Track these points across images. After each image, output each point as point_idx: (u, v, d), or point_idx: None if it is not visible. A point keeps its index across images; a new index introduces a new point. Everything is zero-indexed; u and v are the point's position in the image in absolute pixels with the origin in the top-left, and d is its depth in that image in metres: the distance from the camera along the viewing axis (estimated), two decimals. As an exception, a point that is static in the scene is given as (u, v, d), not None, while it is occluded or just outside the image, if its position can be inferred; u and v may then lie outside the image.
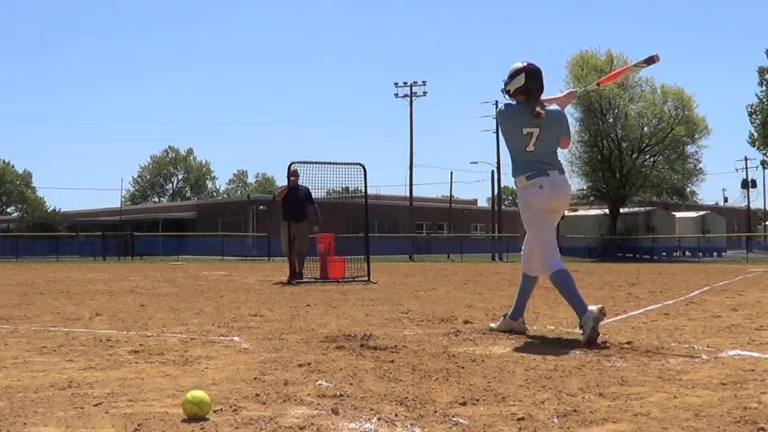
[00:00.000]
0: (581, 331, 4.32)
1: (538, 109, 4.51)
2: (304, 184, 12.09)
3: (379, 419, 2.50)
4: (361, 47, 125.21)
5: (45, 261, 29.26)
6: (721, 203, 64.80)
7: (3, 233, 44.66)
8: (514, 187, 4.84)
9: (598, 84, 5.25)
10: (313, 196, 12.17)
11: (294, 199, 11.89)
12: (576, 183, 36.48)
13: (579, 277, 13.30)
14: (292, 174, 12.01)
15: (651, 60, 4.65)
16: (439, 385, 3.07)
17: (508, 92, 4.71)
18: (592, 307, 4.29)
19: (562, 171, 4.71)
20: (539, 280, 4.94)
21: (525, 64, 4.65)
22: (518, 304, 4.82)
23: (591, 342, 4.15)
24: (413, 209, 43.84)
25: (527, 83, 4.59)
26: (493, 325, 4.96)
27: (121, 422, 2.45)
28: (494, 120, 43.50)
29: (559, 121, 4.69)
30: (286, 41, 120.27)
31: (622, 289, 9.69)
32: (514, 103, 4.72)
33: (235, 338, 4.58)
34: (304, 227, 12.10)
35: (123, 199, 61.77)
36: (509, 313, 4.85)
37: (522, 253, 4.86)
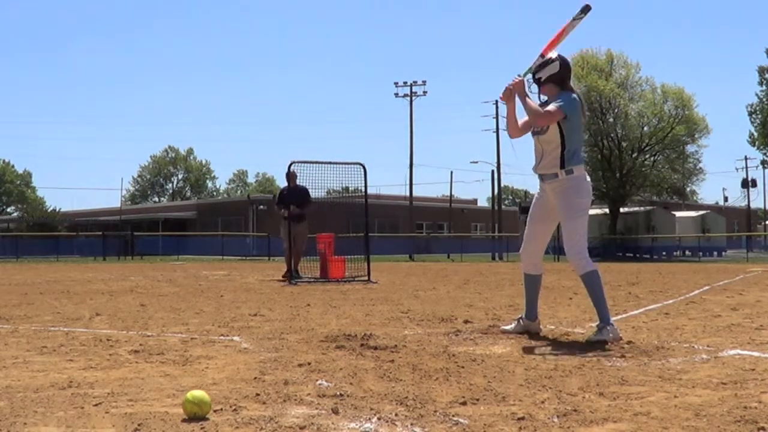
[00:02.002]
0: (590, 332, 4.34)
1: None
2: (302, 184, 12.08)
3: (379, 419, 2.49)
4: (361, 47, 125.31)
5: (45, 261, 29.27)
6: (721, 203, 64.81)
7: (3, 233, 44.68)
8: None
9: (541, 56, 4.57)
10: (314, 196, 12.16)
11: (292, 200, 11.92)
12: (576, 182, 36.40)
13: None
14: (291, 177, 12.02)
15: (586, 8, 4.47)
16: (439, 384, 3.06)
17: (538, 80, 4.55)
18: (618, 330, 4.32)
19: None
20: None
21: (556, 54, 4.55)
22: (530, 306, 4.78)
23: (595, 343, 4.16)
24: (413, 209, 43.84)
25: (561, 72, 4.50)
26: (507, 327, 4.85)
27: (121, 422, 2.45)
28: (493, 120, 43.50)
29: None
30: (286, 41, 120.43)
31: (622, 288, 9.69)
32: (534, 92, 4.63)
33: (235, 338, 4.58)
34: (304, 227, 12.13)
35: (123, 199, 61.79)
36: (524, 315, 4.79)
37: (524, 254, 4.78)
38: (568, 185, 4.46)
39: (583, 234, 4.47)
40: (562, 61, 4.54)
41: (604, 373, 3.33)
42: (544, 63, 4.52)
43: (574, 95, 4.50)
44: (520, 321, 4.80)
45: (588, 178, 4.59)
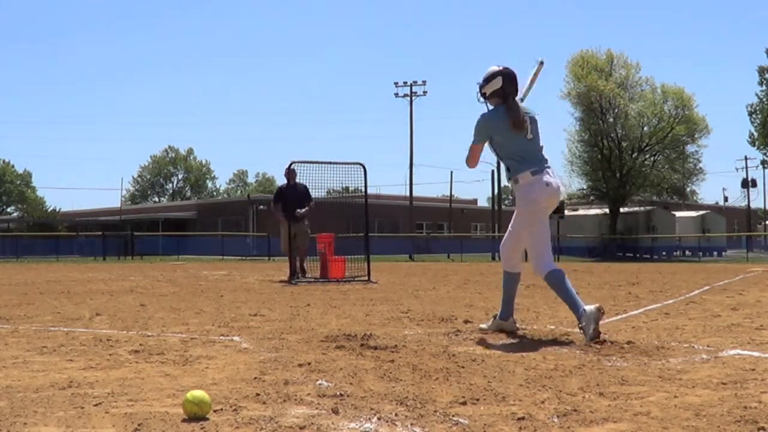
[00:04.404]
0: (580, 331, 4.33)
1: (521, 117, 4.58)
2: (302, 182, 12.04)
3: (379, 419, 2.49)
4: (361, 47, 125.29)
5: (45, 261, 29.27)
6: (721, 203, 64.81)
7: (3, 233, 44.67)
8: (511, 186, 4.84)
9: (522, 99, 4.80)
10: (313, 196, 12.13)
11: (293, 198, 11.87)
12: (576, 182, 36.54)
13: (579, 276, 13.30)
14: (290, 174, 11.97)
15: (540, 65, 4.81)
16: (439, 384, 3.06)
17: (483, 95, 4.70)
18: (590, 307, 4.30)
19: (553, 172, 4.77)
20: (529, 279, 4.96)
21: (501, 67, 4.66)
22: (506, 304, 4.84)
23: (592, 340, 4.16)
24: (413, 209, 43.83)
25: (504, 86, 4.60)
26: (483, 326, 4.94)
27: (121, 422, 2.45)
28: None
29: (536, 125, 4.71)
30: (286, 41, 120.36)
31: (623, 288, 9.69)
32: (489, 108, 4.72)
33: (236, 338, 4.58)
34: (303, 226, 12.08)
35: (123, 199, 61.79)
36: (498, 314, 4.86)
37: (502, 250, 4.87)
38: (517, 194, 4.69)
39: (539, 238, 4.61)
40: (504, 75, 4.62)
41: (604, 373, 3.33)
42: (489, 77, 4.63)
43: (481, 118, 4.63)
44: (494, 318, 4.89)
45: (543, 180, 4.58)
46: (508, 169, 4.71)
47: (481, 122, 4.67)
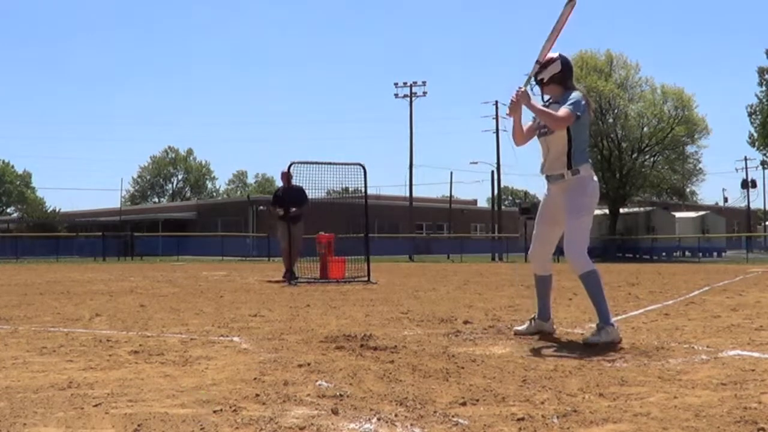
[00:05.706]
0: (589, 333, 4.33)
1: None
2: (299, 184, 12.07)
3: (379, 419, 2.49)
4: (361, 47, 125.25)
5: (45, 261, 29.26)
6: (721, 203, 64.83)
7: (3, 233, 44.67)
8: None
9: (538, 62, 4.47)
10: (313, 196, 12.16)
11: (289, 200, 11.92)
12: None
13: (579, 277, 13.30)
14: (286, 176, 12.01)
15: (571, 2, 4.44)
16: (439, 385, 3.06)
17: (540, 81, 4.50)
18: (618, 330, 4.29)
19: None
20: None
21: (556, 53, 4.50)
22: (545, 306, 4.75)
23: (591, 343, 4.15)
24: (413, 209, 43.83)
25: (563, 71, 4.47)
26: (520, 328, 4.80)
27: (121, 422, 2.45)
28: (493, 120, 43.48)
29: None
30: (285, 41, 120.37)
31: (622, 289, 9.69)
32: (544, 97, 4.58)
33: (235, 338, 4.58)
34: (300, 228, 12.12)
35: (123, 200, 61.79)
36: (537, 315, 4.76)
37: (534, 255, 4.75)
38: (574, 185, 4.43)
39: (584, 234, 4.44)
40: (563, 60, 4.49)
41: (604, 373, 3.33)
42: (545, 63, 4.47)
43: (580, 94, 4.44)
44: (533, 321, 4.77)
45: (595, 178, 4.56)
46: (568, 158, 4.39)
47: (582, 98, 4.40)
